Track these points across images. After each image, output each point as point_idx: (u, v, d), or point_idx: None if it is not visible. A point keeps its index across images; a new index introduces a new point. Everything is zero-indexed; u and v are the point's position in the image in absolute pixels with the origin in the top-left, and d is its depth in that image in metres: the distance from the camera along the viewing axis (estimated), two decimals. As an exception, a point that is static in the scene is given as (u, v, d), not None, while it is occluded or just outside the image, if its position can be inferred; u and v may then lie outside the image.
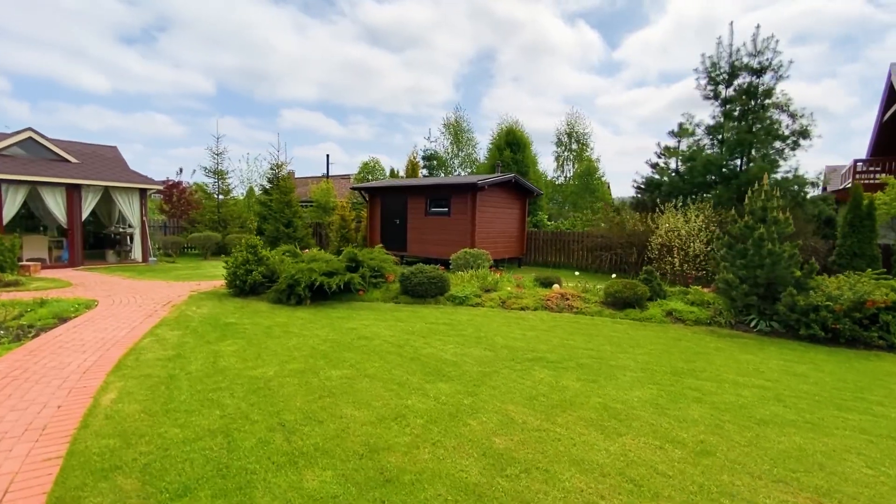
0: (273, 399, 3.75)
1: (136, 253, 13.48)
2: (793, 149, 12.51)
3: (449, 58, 61.91)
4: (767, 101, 13.05)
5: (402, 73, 67.78)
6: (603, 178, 29.60)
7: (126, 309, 7.03)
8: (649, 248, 12.03)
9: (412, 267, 8.69)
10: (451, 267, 10.53)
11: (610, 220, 13.84)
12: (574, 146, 34.72)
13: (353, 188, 16.81)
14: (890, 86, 16.78)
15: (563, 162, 35.11)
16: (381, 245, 10.72)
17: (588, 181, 29.24)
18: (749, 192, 7.66)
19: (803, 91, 47.71)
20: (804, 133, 12.28)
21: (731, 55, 13.54)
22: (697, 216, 11.44)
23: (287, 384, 4.10)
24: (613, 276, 10.04)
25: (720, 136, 13.58)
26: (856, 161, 17.23)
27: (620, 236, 13.13)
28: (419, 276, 8.36)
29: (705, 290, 8.36)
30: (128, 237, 13.86)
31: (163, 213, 19.38)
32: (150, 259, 13.47)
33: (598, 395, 4.10)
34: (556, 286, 9.08)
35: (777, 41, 12.93)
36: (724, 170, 12.71)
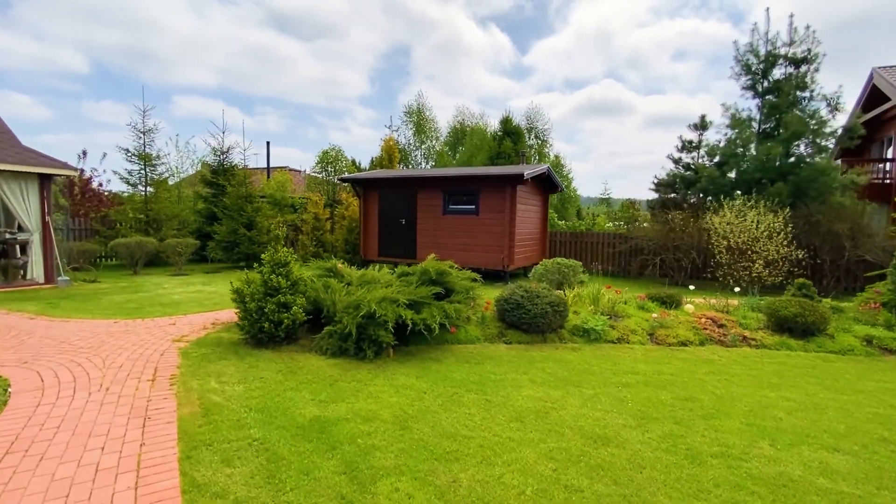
0: None
1: (36, 270, 9.12)
2: (837, 144, 11.86)
3: (363, 51, 58.81)
4: (802, 94, 12.35)
5: (314, 63, 63.23)
6: (570, 175, 28.76)
7: (83, 400, 3.65)
8: (717, 251, 10.60)
9: (514, 287, 6.12)
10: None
11: (656, 221, 12.25)
12: (533, 141, 33.66)
13: (342, 179, 13.51)
14: (871, 88, 17.40)
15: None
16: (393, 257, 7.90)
17: (555, 178, 28.20)
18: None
19: (684, 103, 52.76)
20: (853, 129, 11.66)
21: (767, 43, 12.68)
22: (773, 215, 10.17)
23: None
24: (745, 291, 8.20)
25: (759, 129, 12.64)
26: (842, 160, 17.70)
27: (673, 239, 11.60)
28: (537, 301, 5.83)
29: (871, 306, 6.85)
30: (17, 247, 9.39)
31: (60, 211, 14.32)
32: (59, 279, 9.19)
33: None
34: (689, 306, 7.07)
35: (815, 31, 12.24)
36: (777, 165, 11.69)
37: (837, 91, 11.74)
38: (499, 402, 3.88)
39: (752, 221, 10.21)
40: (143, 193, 14.09)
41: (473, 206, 11.34)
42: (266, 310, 5.08)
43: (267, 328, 5.07)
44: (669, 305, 7.21)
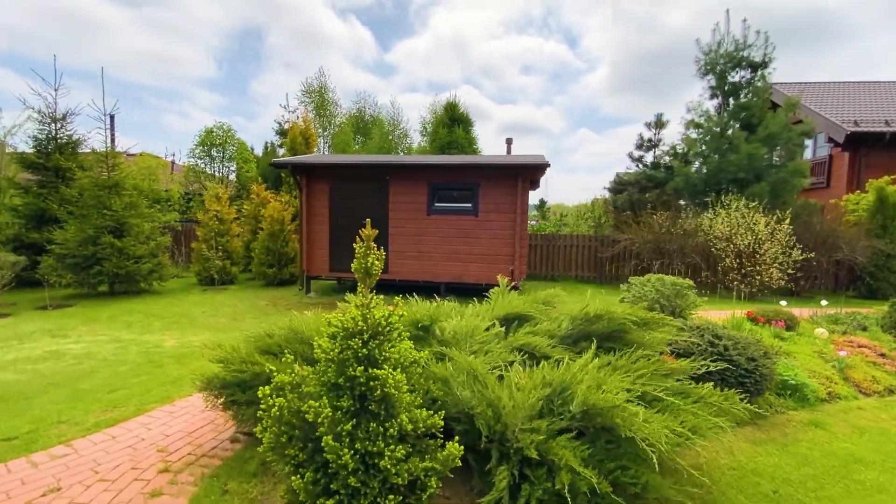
0: None
1: None
2: (797, 145, 12.33)
3: (207, 27, 50.44)
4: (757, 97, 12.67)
5: (143, 33, 52.18)
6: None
7: None
8: (724, 254, 9.90)
9: (704, 332, 3.96)
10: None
11: (641, 221, 11.25)
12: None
13: (276, 164, 9.55)
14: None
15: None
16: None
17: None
18: None
19: (531, 113, 57.99)
20: (808, 133, 12.19)
21: (730, 43, 12.70)
22: (774, 217, 9.81)
23: None
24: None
25: (724, 130, 12.58)
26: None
27: (669, 241, 10.68)
28: (756, 355, 3.75)
29: None
30: None
31: None
32: None
33: None
34: (820, 331, 5.72)
35: (767, 35, 12.58)
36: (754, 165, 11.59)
37: (795, 94, 12.14)
38: None
39: (758, 223, 9.72)
40: None
41: (471, 205, 8.83)
42: (383, 463, 2.02)
43: (389, 507, 2.00)
44: (789, 328, 5.83)
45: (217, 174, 16.48)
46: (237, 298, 9.20)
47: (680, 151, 13.63)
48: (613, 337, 3.43)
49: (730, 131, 12.42)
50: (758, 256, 9.70)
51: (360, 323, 2.24)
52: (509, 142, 12.46)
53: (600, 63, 65.48)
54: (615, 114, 66.74)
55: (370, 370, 2.17)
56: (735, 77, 12.79)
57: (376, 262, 2.38)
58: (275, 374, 2.36)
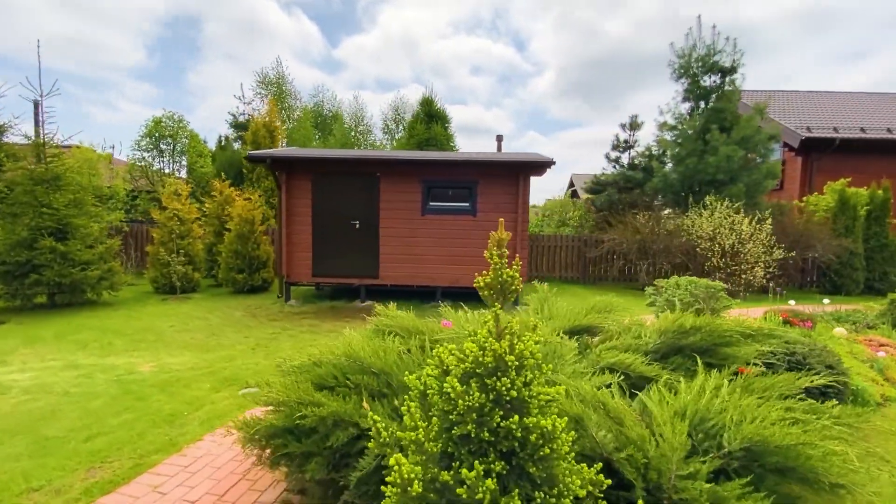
0: None
1: None
2: (767, 148, 12.88)
3: (136, 11, 46.68)
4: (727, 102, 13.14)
5: (61, 15, 47.48)
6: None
7: None
8: (711, 254, 10.08)
9: (783, 344, 3.72)
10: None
11: (626, 222, 11.29)
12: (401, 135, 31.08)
13: (252, 159, 8.51)
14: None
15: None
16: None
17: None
18: None
19: (480, 114, 59.03)
20: (776, 137, 12.78)
21: (702, 48, 13.07)
22: (755, 218, 10.12)
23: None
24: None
25: (699, 133, 12.94)
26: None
27: (654, 241, 10.76)
28: (840, 365, 3.55)
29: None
30: None
31: None
32: None
33: None
34: (839, 330, 5.75)
35: (735, 40, 13.06)
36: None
37: (760, 101, 12.70)
38: None
39: (741, 223, 9.98)
40: None
41: (468, 204, 8.36)
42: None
43: None
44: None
45: (168, 169, 14.89)
46: (206, 309, 8.16)
47: (655, 153, 13.91)
48: (709, 351, 3.08)
49: (707, 134, 12.80)
50: (741, 256, 9.95)
51: (507, 356, 1.70)
52: (499, 139, 12.14)
53: (547, 67, 67.07)
54: (561, 117, 68.60)
55: (524, 419, 1.64)
56: (707, 81, 13.19)
57: (515, 276, 1.84)
58: (380, 424, 1.76)
